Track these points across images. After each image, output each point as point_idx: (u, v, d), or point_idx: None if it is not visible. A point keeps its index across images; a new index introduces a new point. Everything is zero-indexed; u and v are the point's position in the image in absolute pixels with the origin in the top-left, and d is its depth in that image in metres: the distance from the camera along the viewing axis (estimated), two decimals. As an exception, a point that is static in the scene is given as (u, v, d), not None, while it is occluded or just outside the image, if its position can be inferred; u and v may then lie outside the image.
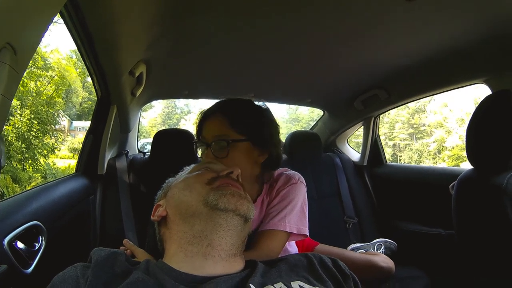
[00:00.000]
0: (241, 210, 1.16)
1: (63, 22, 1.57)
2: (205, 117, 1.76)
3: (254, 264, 1.14)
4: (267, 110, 1.82)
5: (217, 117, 1.70)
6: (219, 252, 1.10)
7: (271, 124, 1.78)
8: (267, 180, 1.82)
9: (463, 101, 34.79)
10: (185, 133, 3.10)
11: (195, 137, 1.83)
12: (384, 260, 2.20)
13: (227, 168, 1.36)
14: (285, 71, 2.80)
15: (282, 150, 1.83)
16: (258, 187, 1.81)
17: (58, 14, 1.31)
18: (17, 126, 15.73)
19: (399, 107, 3.45)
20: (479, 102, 1.95)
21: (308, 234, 1.72)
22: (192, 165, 1.51)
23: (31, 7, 0.98)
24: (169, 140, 3.05)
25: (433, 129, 38.16)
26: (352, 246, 2.81)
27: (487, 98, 1.91)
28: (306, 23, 1.93)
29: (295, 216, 1.65)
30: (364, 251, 2.67)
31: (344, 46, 2.25)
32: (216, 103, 1.81)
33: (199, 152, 1.78)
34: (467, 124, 1.98)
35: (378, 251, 2.69)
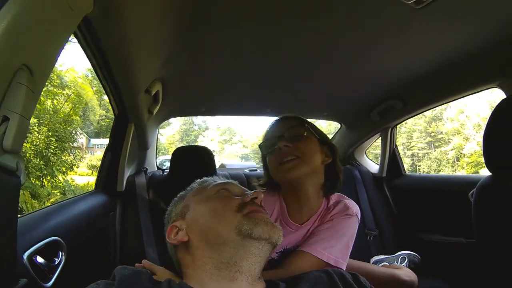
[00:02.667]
0: (274, 239, 1.16)
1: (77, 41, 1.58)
2: (274, 122, 1.87)
3: (275, 286, 1.15)
4: None
5: (287, 118, 1.87)
6: (246, 277, 1.11)
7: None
8: (328, 193, 1.82)
9: (479, 106, 34.61)
10: (204, 149, 3.13)
11: (261, 143, 1.90)
12: (407, 274, 2.15)
13: (249, 192, 1.36)
14: (300, 85, 2.82)
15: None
16: (320, 200, 1.81)
17: (72, 34, 1.32)
18: (35, 143, 15.91)
19: (415, 116, 3.41)
20: (494, 106, 1.94)
21: (344, 268, 1.66)
22: (205, 179, 1.51)
23: (46, 28, 1.00)
24: (188, 156, 3.06)
25: (450, 136, 37.98)
26: (375, 258, 2.78)
27: (502, 102, 1.89)
28: (320, 36, 1.94)
29: (338, 249, 1.61)
30: (387, 263, 2.64)
31: (357, 57, 2.26)
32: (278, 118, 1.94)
33: (266, 148, 1.83)
34: (484, 130, 1.97)
35: (402, 264, 2.66)
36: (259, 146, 1.89)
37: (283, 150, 1.68)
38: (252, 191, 1.35)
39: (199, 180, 1.52)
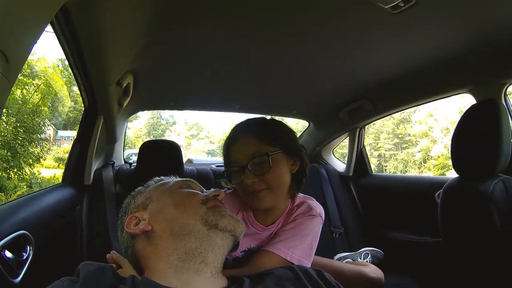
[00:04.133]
0: (237, 231, 1.20)
1: (51, 30, 1.56)
2: (232, 142, 1.74)
3: (240, 281, 1.15)
4: (282, 122, 1.85)
5: (246, 137, 1.71)
6: (211, 269, 1.12)
7: (293, 133, 1.83)
8: (294, 194, 1.81)
9: (448, 110, 34.97)
10: (172, 144, 3.10)
11: (224, 166, 1.83)
12: (373, 271, 2.15)
13: (207, 191, 1.39)
14: (270, 83, 2.83)
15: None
16: (286, 202, 1.80)
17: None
18: (2, 133, 15.61)
19: (384, 118, 3.49)
20: (463, 111, 1.98)
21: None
22: (162, 178, 1.51)
23: (24, 15, 0.98)
24: (156, 150, 3.04)
25: (418, 138, 38.30)
26: (338, 255, 2.81)
27: (473, 107, 1.94)
28: (292, 35, 1.95)
29: (302, 249, 1.62)
30: (351, 260, 2.66)
31: (329, 57, 2.28)
32: (236, 127, 1.80)
33: (234, 178, 1.71)
34: (452, 133, 2.01)
35: (365, 260, 2.69)
36: (225, 173, 1.81)
37: (250, 185, 1.62)
38: (213, 189, 1.39)
39: (156, 178, 1.52)
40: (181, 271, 1.09)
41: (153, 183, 1.46)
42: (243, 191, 1.69)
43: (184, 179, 1.46)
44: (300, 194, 1.87)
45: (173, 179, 1.46)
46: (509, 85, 2.23)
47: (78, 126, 2.67)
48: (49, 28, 1.51)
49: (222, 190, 1.54)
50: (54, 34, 1.62)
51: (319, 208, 1.79)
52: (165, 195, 1.31)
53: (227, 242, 1.19)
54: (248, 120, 1.81)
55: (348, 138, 3.84)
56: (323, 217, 1.78)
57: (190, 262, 1.10)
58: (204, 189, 1.46)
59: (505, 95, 2.25)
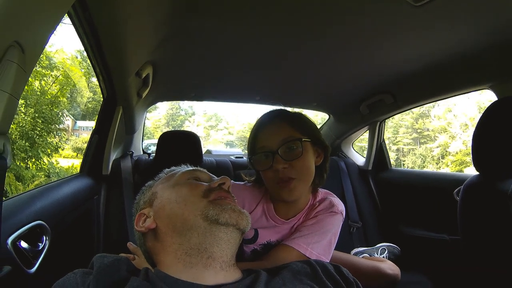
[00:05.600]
0: (242, 225, 1.16)
1: (69, 22, 1.56)
2: (260, 128, 1.73)
3: (257, 273, 1.14)
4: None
5: (277, 123, 1.69)
6: (220, 263, 1.10)
7: (317, 127, 1.82)
8: (315, 188, 1.80)
9: (467, 106, 34.75)
10: (191, 134, 3.09)
11: (248, 153, 1.78)
12: (390, 267, 2.17)
13: (216, 179, 1.35)
14: (291, 75, 2.80)
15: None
16: (307, 197, 1.79)
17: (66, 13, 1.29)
18: (21, 124, 15.77)
19: (403, 112, 3.42)
20: (483, 108, 1.94)
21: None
22: (173, 168, 1.51)
23: (40, 5, 0.97)
24: (175, 141, 3.03)
25: (436, 134, 38.13)
26: (355, 250, 2.79)
27: (494, 104, 1.90)
28: (313, 27, 1.92)
29: (321, 246, 1.61)
30: (368, 255, 2.65)
31: (350, 50, 2.24)
32: (264, 115, 1.78)
33: (260, 165, 1.68)
34: (471, 129, 1.98)
35: (382, 256, 2.67)
36: (250, 160, 1.74)
37: (281, 170, 1.60)
38: (220, 177, 1.35)
39: (167, 169, 1.52)
40: (190, 266, 1.09)
41: (164, 175, 1.46)
42: (270, 179, 1.66)
43: (191, 169, 1.45)
44: (321, 190, 1.86)
45: (182, 169, 1.45)
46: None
47: (97, 116, 2.67)
48: (67, 20, 1.51)
49: (242, 183, 1.51)
50: (72, 26, 1.61)
51: (340, 205, 1.77)
52: (168, 190, 1.30)
53: (233, 236, 1.16)
54: (276, 110, 1.80)
55: (367, 131, 3.80)
56: (344, 214, 1.77)
57: (197, 257, 1.09)
58: (214, 176, 1.44)
59: (527, 92, 2.20)
